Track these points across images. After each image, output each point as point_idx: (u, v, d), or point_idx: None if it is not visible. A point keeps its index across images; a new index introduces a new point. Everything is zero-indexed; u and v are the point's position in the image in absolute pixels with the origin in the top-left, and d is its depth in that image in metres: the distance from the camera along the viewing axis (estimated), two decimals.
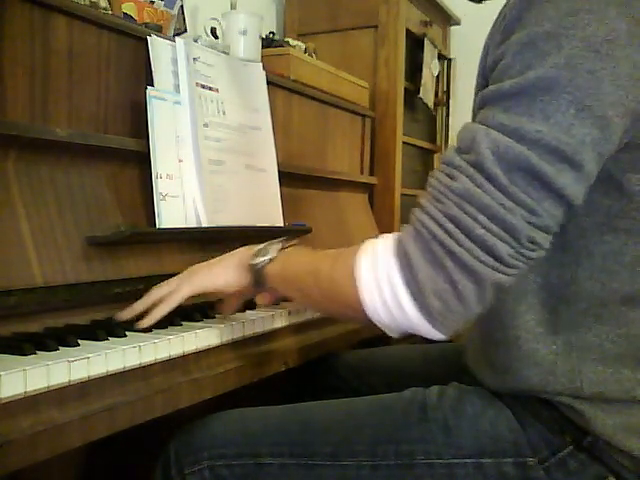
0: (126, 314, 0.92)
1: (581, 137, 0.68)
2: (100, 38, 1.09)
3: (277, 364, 1.02)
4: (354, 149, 1.96)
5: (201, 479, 0.88)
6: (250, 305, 1.10)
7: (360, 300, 0.73)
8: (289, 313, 1.10)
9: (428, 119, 2.44)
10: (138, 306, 0.92)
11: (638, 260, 0.77)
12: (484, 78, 0.79)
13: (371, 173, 2.04)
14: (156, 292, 0.93)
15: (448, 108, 2.50)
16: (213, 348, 0.92)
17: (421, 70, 2.20)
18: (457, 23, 2.51)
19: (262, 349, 1.01)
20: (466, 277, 0.68)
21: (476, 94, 0.83)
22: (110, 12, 1.22)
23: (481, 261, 0.68)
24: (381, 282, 0.71)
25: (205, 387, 0.87)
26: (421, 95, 2.21)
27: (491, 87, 0.73)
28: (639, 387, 0.78)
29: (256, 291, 0.95)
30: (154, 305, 0.91)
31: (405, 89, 2.14)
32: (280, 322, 1.08)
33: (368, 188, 1.99)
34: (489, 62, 0.77)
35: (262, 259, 0.89)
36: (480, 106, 0.75)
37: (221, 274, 0.93)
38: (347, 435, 0.87)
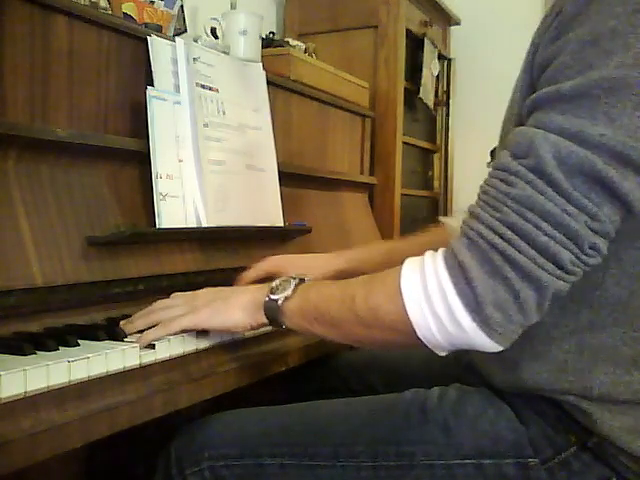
0: (128, 329, 0.88)
1: None
2: (100, 38, 1.09)
3: (277, 364, 1.02)
4: (354, 149, 1.96)
5: (202, 479, 0.88)
6: None
7: (408, 319, 0.70)
8: None
9: (428, 119, 2.44)
10: (139, 323, 0.89)
11: None
12: (530, 76, 0.76)
13: (371, 173, 2.05)
14: (159, 312, 0.90)
15: (448, 108, 2.50)
16: (213, 348, 0.92)
17: (421, 70, 2.20)
18: (457, 23, 2.51)
19: (262, 349, 1.01)
20: (527, 286, 0.66)
21: (518, 92, 0.79)
22: (110, 12, 1.22)
23: (544, 269, 0.66)
24: (432, 296, 0.68)
25: (205, 387, 0.87)
26: (421, 95, 2.21)
27: (547, 89, 0.70)
28: None
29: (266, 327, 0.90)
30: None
31: (405, 89, 2.14)
32: None
33: (368, 188, 1.99)
34: (539, 60, 0.74)
35: (279, 296, 0.83)
36: (532, 109, 0.72)
37: (228, 316, 0.87)
38: (347, 436, 0.87)
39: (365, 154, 2.00)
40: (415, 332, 0.71)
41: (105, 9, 1.21)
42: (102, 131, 1.09)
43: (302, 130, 1.66)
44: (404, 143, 2.14)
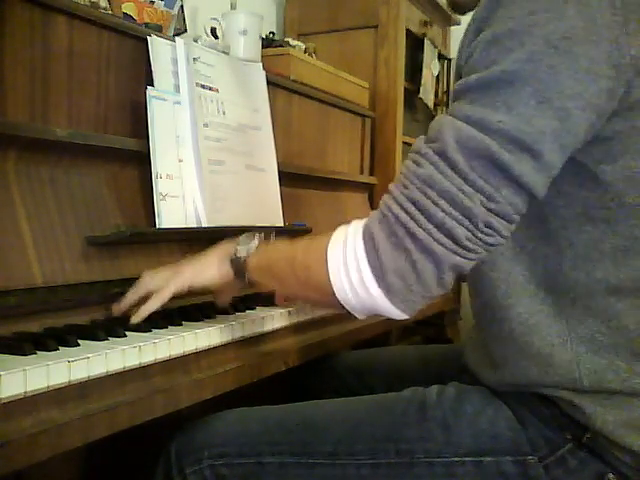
0: (121, 307, 0.94)
1: (541, 127, 0.70)
2: (100, 38, 1.09)
3: (277, 364, 1.02)
4: (354, 149, 1.96)
5: (202, 478, 0.88)
6: (250, 305, 1.10)
7: (329, 282, 0.76)
8: (289, 313, 1.10)
9: (428, 119, 2.43)
10: (130, 297, 0.95)
11: (618, 249, 0.78)
12: (458, 76, 0.82)
13: (371, 173, 2.04)
14: (145, 285, 0.95)
15: (448, 108, 2.50)
16: (213, 348, 0.92)
17: (421, 70, 2.20)
18: (457, 23, 2.51)
19: (262, 349, 1.01)
20: (425, 258, 0.71)
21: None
22: (110, 12, 1.22)
23: (440, 243, 0.71)
24: (348, 263, 0.75)
25: (205, 387, 0.87)
26: (421, 95, 2.21)
27: (460, 81, 0.76)
28: (636, 377, 0.78)
29: (241, 283, 0.96)
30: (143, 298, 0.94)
31: (405, 89, 2.13)
32: (280, 322, 1.08)
33: (368, 188, 1.99)
34: (459, 62, 0.81)
35: (242, 250, 0.91)
36: (452, 101, 0.78)
37: (206, 269, 0.95)
38: (347, 434, 0.88)
39: (365, 154, 2.00)
40: (335, 294, 0.77)
41: (105, 9, 1.21)
42: (102, 131, 1.09)
43: (302, 130, 1.66)
44: (404, 143, 2.14)
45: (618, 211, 0.77)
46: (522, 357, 0.82)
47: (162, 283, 0.94)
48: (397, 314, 0.75)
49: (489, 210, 0.71)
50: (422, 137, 0.77)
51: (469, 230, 0.71)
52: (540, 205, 0.77)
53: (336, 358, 1.25)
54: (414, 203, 0.72)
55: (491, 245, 0.73)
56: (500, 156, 0.70)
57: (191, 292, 0.97)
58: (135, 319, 0.89)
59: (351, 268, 0.75)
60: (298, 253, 0.84)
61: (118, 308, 0.94)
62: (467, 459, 0.83)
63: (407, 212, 0.72)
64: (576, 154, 0.75)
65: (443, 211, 0.71)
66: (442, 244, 0.71)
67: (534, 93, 0.70)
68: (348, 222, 0.80)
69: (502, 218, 0.72)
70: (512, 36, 0.72)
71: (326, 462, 0.86)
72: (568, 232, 0.79)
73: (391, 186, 0.77)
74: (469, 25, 0.80)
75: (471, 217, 0.71)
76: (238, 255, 0.92)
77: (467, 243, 0.71)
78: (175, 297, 1.05)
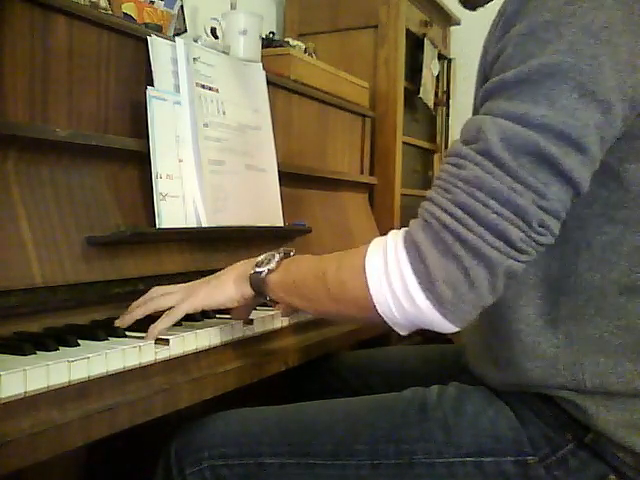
0: (127, 320, 0.90)
1: (586, 120, 0.68)
2: (100, 38, 1.09)
3: (277, 364, 1.02)
4: (354, 149, 1.96)
5: (202, 479, 0.88)
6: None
7: (370, 295, 0.72)
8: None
9: (428, 119, 2.43)
10: (137, 313, 0.91)
11: (636, 250, 0.77)
12: (484, 75, 0.80)
13: (371, 173, 2.04)
14: (156, 302, 0.92)
15: (448, 108, 2.50)
16: (213, 348, 0.92)
17: (421, 70, 2.20)
18: (457, 23, 2.51)
19: (262, 349, 1.01)
20: (478, 263, 0.68)
21: (476, 92, 0.83)
22: (110, 12, 1.22)
23: (493, 247, 0.68)
24: (391, 275, 0.71)
25: (205, 387, 0.87)
26: (421, 95, 2.21)
27: (493, 79, 0.73)
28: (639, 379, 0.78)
29: (259, 302, 0.94)
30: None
31: (405, 89, 2.13)
32: (280, 322, 1.08)
33: (368, 188, 1.99)
34: (489, 59, 0.78)
35: (262, 269, 0.87)
36: (483, 100, 0.75)
37: (222, 290, 0.91)
38: (347, 434, 0.87)
39: (365, 154, 2.00)
40: (376, 308, 0.73)
41: (105, 9, 1.21)
42: (102, 131, 1.09)
43: (302, 130, 1.66)
44: (404, 143, 2.14)
45: (638, 212, 0.76)
46: (527, 358, 0.81)
47: (174, 303, 0.90)
48: (448, 327, 0.71)
49: (541, 208, 0.68)
50: (458, 139, 0.74)
51: (523, 230, 0.68)
52: None
53: (336, 358, 1.25)
54: (461, 207, 0.69)
55: (542, 245, 0.70)
56: (549, 151, 0.68)
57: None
58: (149, 338, 0.85)
59: (394, 279, 0.70)
60: (329, 267, 0.79)
61: (123, 322, 0.91)
62: (468, 459, 0.82)
63: (454, 217, 0.69)
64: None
65: (495, 212, 0.67)
66: (496, 247, 0.67)
67: (577, 85, 0.68)
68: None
69: (553, 215, 0.69)
70: (549, 27, 0.69)
71: (326, 462, 0.86)
72: (586, 233, 0.77)
73: (430, 193, 0.73)
74: (496, 21, 0.78)
75: (525, 216, 0.68)
76: (258, 272, 0.87)
77: (521, 244, 0.68)
78: None
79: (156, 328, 0.86)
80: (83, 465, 1.15)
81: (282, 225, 1.40)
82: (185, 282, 0.95)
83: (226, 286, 0.91)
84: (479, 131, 0.70)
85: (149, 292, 0.95)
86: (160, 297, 0.92)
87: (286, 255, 0.88)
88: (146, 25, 1.27)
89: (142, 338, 0.85)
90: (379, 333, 1.37)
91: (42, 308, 0.90)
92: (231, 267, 0.94)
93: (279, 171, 1.41)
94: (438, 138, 2.51)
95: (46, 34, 0.99)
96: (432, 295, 0.69)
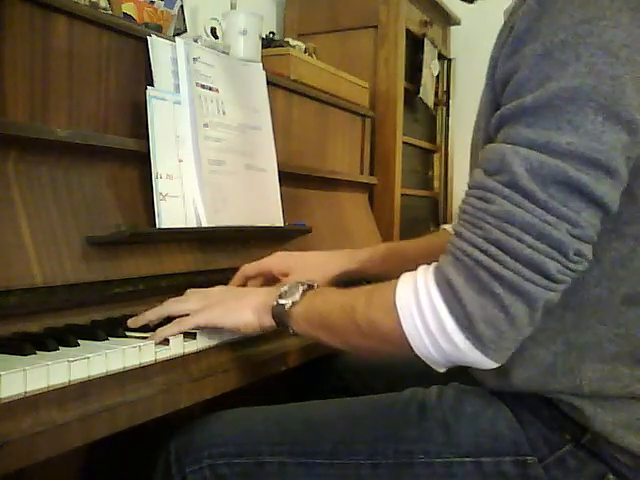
0: (139, 321, 0.91)
1: (613, 143, 0.67)
2: (100, 38, 1.09)
3: (277, 364, 1.02)
4: (354, 149, 1.96)
5: (202, 478, 0.88)
6: None
7: (403, 334, 0.71)
8: None
9: (428, 119, 2.44)
10: (150, 316, 0.91)
11: None
12: (493, 91, 0.78)
13: (371, 173, 2.04)
14: (172, 307, 0.92)
15: (448, 108, 2.50)
16: (213, 348, 0.92)
17: (421, 70, 2.20)
18: (457, 23, 2.51)
19: (262, 349, 1.01)
20: (517, 300, 0.67)
21: (482, 106, 0.82)
22: (110, 12, 1.22)
23: (532, 281, 0.66)
24: (425, 313, 0.69)
25: (205, 387, 0.87)
26: (421, 95, 2.21)
27: (511, 104, 0.71)
28: (637, 383, 0.78)
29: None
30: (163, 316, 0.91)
31: (405, 89, 2.14)
32: None
33: (368, 188, 1.99)
34: (499, 75, 0.75)
35: (286, 301, 0.85)
36: (499, 125, 0.73)
37: (239, 316, 0.89)
38: (347, 434, 0.88)
39: (365, 154, 2.00)
40: (411, 346, 0.72)
41: (105, 9, 1.21)
42: (102, 131, 1.09)
43: (302, 130, 1.66)
44: (404, 143, 2.14)
45: None
46: (524, 368, 0.80)
47: (188, 311, 0.90)
48: (489, 364, 0.70)
49: (575, 236, 0.67)
50: (479, 170, 0.72)
51: (559, 262, 0.67)
52: None
53: (336, 358, 1.25)
54: (495, 243, 0.67)
55: (577, 272, 0.69)
56: (579, 179, 0.66)
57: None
58: (154, 339, 0.85)
59: (429, 319, 0.69)
60: (358, 303, 0.77)
61: (134, 323, 0.91)
62: (467, 459, 0.82)
63: (488, 254, 0.67)
64: None
65: (530, 247, 0.66)
66: (534, 282, 0.66)
67: (600, 108, 0.66)
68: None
69: (587, 242, 0.68)
70: (565, 48, 0.67)
71: (326, 462, 0.86)
72: (596, 248, 0.73)
73: (459, 228, 0.71)
74: (502, 34, 0.76)
75: (561, 248, 0.66)
76: (281, 304, 0.85)
77: (558, 275, 0.67)
78: None
79: (164, 332, 0.86)
80: (83, 465, 1.15)
81: (282, 225, 1.40)
82: (185, 282, 0.95)
83: (245, 312, 0.89)
84: (502, 162, 0.68)
85: (166, 301, 0.94)
86: (175, 302, 0.93)
87: (310, 287, 0.87)
88: (146, 25, 1.27)
89: (142, 338, 0.85)
90: None
91: (42, 308, 0.90)
92: (251, 292, 0.93)
93: (279, 171, 1.41)
94: (438, 138, 2.51)
95: (46, 34, 0.99)
96: (472, 335, 0.68)
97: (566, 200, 0.67)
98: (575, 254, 0.68)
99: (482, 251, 0.68)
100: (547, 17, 0.69)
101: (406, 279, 0.74)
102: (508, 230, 0.67)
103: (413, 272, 0.74)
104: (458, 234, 0.71)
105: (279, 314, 0.86)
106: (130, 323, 0.91)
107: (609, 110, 0.66)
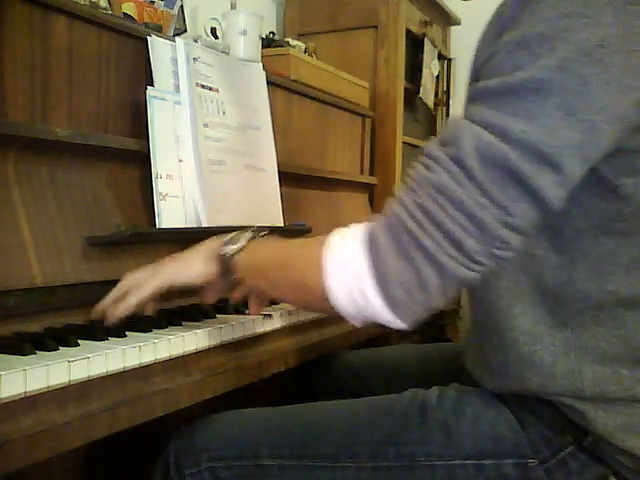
0: (99, 308, 0.90)
1: (565, 140, 0.67)
2: (100, 38, 1.09)
3: (277, 364, 1.02)
4: (354, 149, 1.96)
5: None
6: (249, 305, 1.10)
7: (324, 286, 0.72)
8: (289, 313, 1.10)
9: (428, 119, 2.44)
10: (109, 299, 0.91)
11: (633, 261, 0.77)
12: (475, 75, 0.78)
13: (371, 173, 2.05)
14: (125, 283, 0.92)
15: (448, 108, 2.50)
16: (213, 348, 0.92)
17: (421, 70, 2.20)
18: (457, 23, 2.52)
19: (262, 349, 1.01)
20: (431, 269, 0.68)
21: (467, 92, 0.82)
22: (110, 12, 1.22)
23: (448, 254, 0.67)
24: (347, 268, 0.71)
25: (205, 387, 0.87)
26: (421, 95, 2.21)
27: (480, 83, 0.72)
28: (638, 386, 0.78)
29: (226, 282, 0.93)
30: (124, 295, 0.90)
31: (405, 89, 2.14)
32: (279, 322, 1.08)
33: (368, 188, 1.99)
34: (480, 60, 0.76)
35: (230, 248, 0.87)
36: (467, 102, 0.74)
37: (189, 267, 0.91)
38: (347, 436, 0.87)
39: (365, 154, 2.00)
40: (329, 299, 0.73)
41: (105, 9, 1.21)
42: (102, 131, 1.09)
43: (302, 130, 1.66)
44: (404, 143, 2.14)
45: (636, 224, 0.75)
46: (524, 367, 0.80)
47: (141, 282, 0.90)
48: (397, 324, 0.72)
49: (503, 223, 0.67)
50: (435, 138, 0.73)
51: (479, 243, 0.67)
52: (555, 215, 0.72)
53: (336, 358, 1.25)
54: (423, 210, 0.68)
55: (500, 258, 0.70)
56: (520, 168, 0.66)
57: (172, 291, 0.93)
58: (110, 318, 0.86)
59: (349, 274, 0.70)
60: (291, 255, 0.81)
61: (96, 309, 0.91)
62: (468, 462, 0.82)
63: (415, 219, 0.68)
64: (598, 165, 0.72)
65: (454, 222, 0.67)
66: (450, 255, 0.67)
67: (561, 104, 0.66)
68: (345, 225, 0.77)
69: (515, 231, 0.68)
70: (542, 40, 0.67)
71: (326, 465, 0.86)
72: (582, 243, 0.76)
73: (398, 191, 0.73)
74: (490, 23, 0.77)
75: (483, 229, 0.67)
76: (225, 252, 0.88)
77: (476, 255, 0.68)
78: (175, 297, 1.05)
79: (122, 306, 0.87)
80: (83, 465, 1.15)
81: (282, 225, 1.40)
82: None
83: (194, 263, 0.91)
84: (455, 135, 0.69)
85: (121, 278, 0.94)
86: (127, 278, 0.93)
87: (256, 234, 0.89)
88: (146, 25, 1.27)
89: (142, 338, 0.85)
90: (379, 333, 1.37)
91: (42, 308, 0.90)
92: (200, 244, 0.94)
93: (279, 171, 1.41)
94: None
95: (46, 34, 0.99)
96: (384, 293, 0.69)
97: (504, 186, 0.67)
98: (497, 239, 0.68)
99: (410, 215, 0.69)
100: (530, 8, 0.69)
101: (336, 234, 0.75)
102: (439, 201, 0.68)
103: (345, 228, 0.75)
104: (396, 197, 0.72)
105: (223, 262, 0.88)
106: (93, 312, 0.91)
107: (571, 108, 0.67)
